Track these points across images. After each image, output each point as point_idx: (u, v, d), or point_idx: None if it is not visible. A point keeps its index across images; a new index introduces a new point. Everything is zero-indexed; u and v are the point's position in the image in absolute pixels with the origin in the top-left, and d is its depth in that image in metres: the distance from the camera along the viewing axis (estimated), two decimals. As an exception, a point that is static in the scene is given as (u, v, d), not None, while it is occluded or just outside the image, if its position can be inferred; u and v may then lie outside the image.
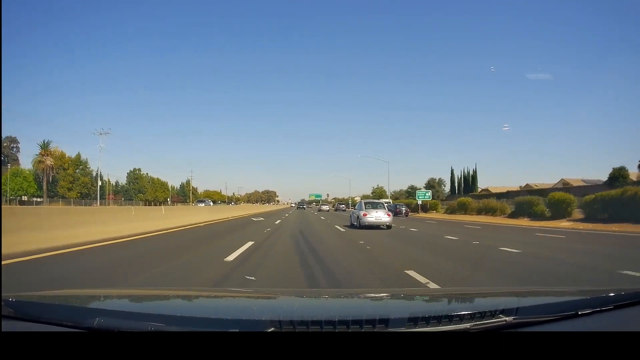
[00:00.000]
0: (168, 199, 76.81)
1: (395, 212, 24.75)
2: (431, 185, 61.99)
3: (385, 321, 1.09)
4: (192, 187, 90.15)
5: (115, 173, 75.62)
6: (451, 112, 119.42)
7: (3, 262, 4.66)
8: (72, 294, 1.85)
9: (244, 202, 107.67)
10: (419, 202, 38.22)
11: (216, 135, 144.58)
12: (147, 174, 76.65)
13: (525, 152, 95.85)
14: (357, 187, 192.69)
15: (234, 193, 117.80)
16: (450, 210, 35.25)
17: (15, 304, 1.25)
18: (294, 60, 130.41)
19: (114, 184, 70.34)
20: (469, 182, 59.14)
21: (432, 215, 34.98)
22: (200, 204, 39.26)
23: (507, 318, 1.17)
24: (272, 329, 1.05)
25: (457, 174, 61.97)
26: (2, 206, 10.88)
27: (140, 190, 71.87)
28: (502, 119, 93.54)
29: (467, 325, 1.13)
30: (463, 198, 35.96)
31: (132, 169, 74.52)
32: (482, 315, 1.17)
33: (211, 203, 53.86)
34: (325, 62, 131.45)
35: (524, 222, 21.49)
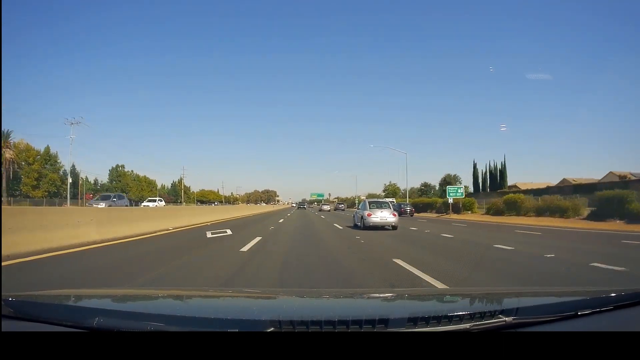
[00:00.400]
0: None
1: (399, 212, 21.42)
2: (448, 182, 54.11)
3: (385, 321, 1.09)
4: (185, 186, 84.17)
5: (105, 173, 70.46)
6: (459, 110, 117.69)
7: None
8: (72, 294, 1.85)
9: (243, 202, 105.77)
10: (450, 201, 31.20)
11: (217, 135, 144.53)
12: (131, 171, 70.71)
13: (545, 147, 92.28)
14: (364, 186, 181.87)
15: (232, 193, 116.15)
16: (495, 211, 27.47)
17: (15, 304, 1.25)
18: (296, 59, 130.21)
19: (92, 181, 64.58)
20: (496, 178, 50.93)
21: (469, 216, 28.03)
22: (100, 204, 21.52)
23: (506, 318, 1.17)
24: (272, 329, 1.05)
25: (480, 168, 53.64)
26: None
27: (122, 189, 64.02)
28: (515, 115, 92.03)
29: (466, 325, 1.14)
30: (512, 195, 28.36)
31: (114, 166, 68.13)
32: (482, 315, 1.17)
33: (162, 202, 34.63)
34: (326, 61, 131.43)
35: (618, 226, 16.22)
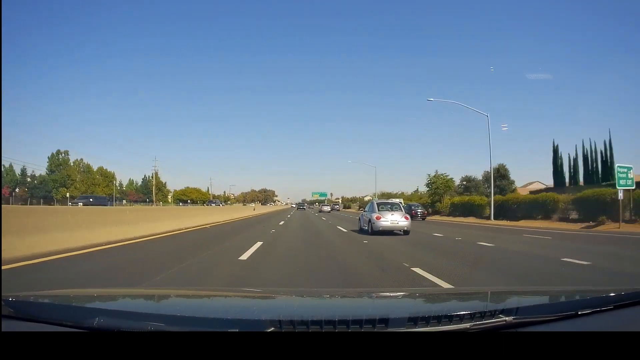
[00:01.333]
0: (123, 197, 57.36)
1: (410, 214, 17.31)
2: (502, 173, 37.97)
3: (385, 321, 1.09)
4: (160, 181, 68.12)
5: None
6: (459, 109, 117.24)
7: None
8: (72, 294, 1.85)
9: (238, 202, 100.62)
10: (620, 196, 16.85)
11: (216, 135, 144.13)
12: (80, 159, 55.29)
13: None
14: (381, 183, 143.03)
15: (224, 192, 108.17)
16: None
17: (15, 304, 1.25)
18: (296, 60, 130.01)
19: (18, 172, 51.42)
20: (595, 167, 31.03)
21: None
22: None
23: (507, 318, 1.17)
24: (272, 329, 1.05)
25: (568, 152, 33.28)
26: None
27: (63, 182, 50.80)
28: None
29: (467, 325, 1.14)
30: None
31: (54, 152, 53.03)
32: (482, 315, 1.17)
33: None
34: (326, 61, 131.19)
35: None
